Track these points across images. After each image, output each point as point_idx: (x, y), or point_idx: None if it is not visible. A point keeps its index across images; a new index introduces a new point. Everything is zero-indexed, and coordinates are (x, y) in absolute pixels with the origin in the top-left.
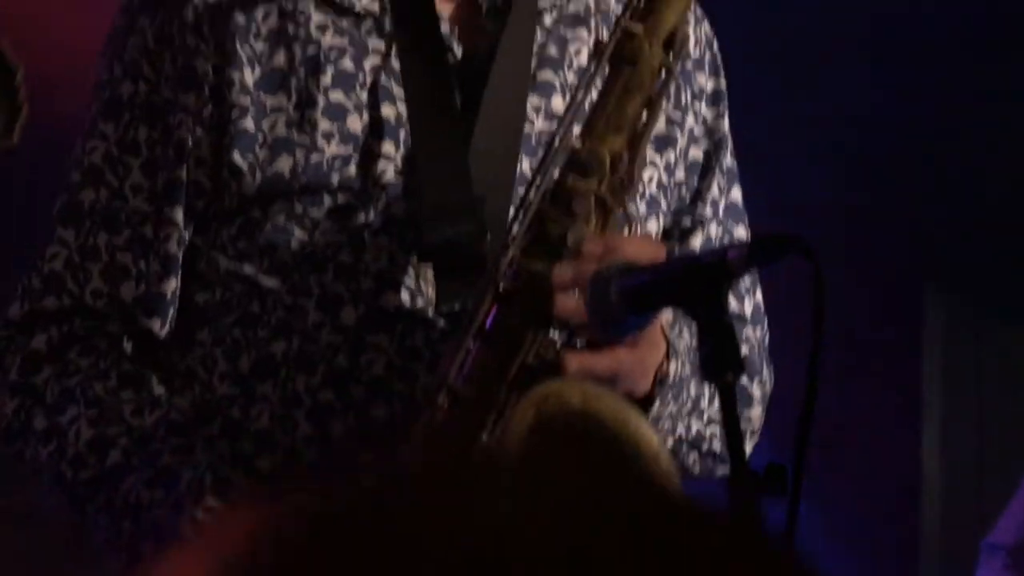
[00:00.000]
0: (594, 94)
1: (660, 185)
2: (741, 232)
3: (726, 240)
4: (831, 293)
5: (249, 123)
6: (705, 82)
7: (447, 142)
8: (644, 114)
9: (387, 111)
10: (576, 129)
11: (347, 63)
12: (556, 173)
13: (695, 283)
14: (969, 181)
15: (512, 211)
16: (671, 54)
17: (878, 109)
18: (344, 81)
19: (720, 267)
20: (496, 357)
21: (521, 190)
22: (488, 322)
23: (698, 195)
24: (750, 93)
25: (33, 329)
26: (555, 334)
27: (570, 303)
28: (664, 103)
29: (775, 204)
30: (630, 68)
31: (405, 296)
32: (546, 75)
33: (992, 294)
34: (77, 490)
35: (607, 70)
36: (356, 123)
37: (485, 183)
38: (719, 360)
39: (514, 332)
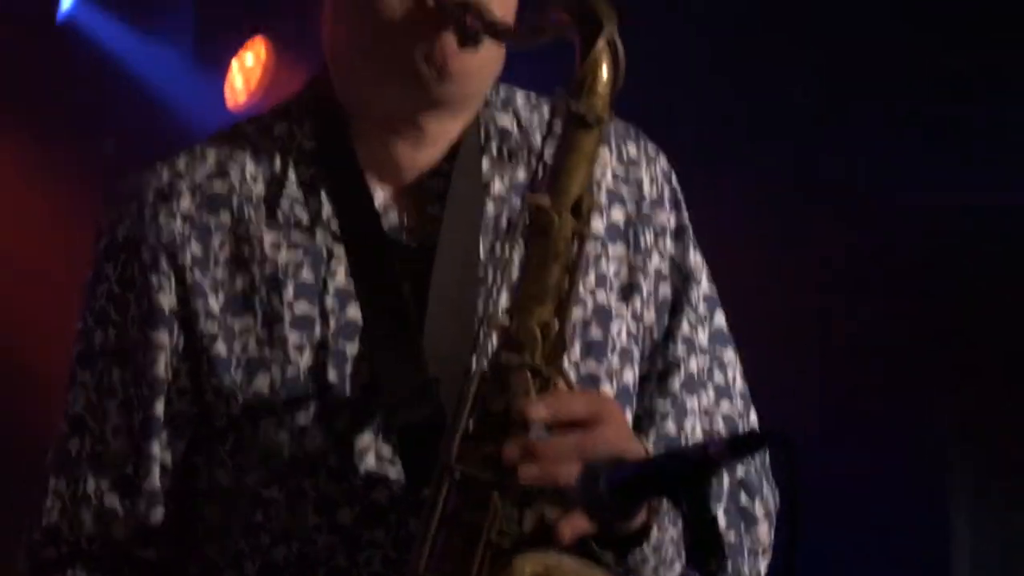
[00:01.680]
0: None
1: (630, 334)
2: (729, 356)
3: (713, 372)
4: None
5: (221, 347)
6: (667, 219)
7: (399, 333)
8: (566, 280)
9: (352, 313)
10: (503, 307)
11: (306, 274)
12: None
13: (679, 476)
14: None
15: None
16: (580, 220)
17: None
18: (306, 291)
19: (702, 461)
20: (461, 542)
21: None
22: (449, 507)
23: (669, 334)
24: None
25: None
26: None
27: (532, 471)
28: (584, 264)
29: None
30: (543, 240)
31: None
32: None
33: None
34: None
35: (523, 245)
36: (324, 330)
37: (440, 365)
38: (704, 549)
39: (473, 514)
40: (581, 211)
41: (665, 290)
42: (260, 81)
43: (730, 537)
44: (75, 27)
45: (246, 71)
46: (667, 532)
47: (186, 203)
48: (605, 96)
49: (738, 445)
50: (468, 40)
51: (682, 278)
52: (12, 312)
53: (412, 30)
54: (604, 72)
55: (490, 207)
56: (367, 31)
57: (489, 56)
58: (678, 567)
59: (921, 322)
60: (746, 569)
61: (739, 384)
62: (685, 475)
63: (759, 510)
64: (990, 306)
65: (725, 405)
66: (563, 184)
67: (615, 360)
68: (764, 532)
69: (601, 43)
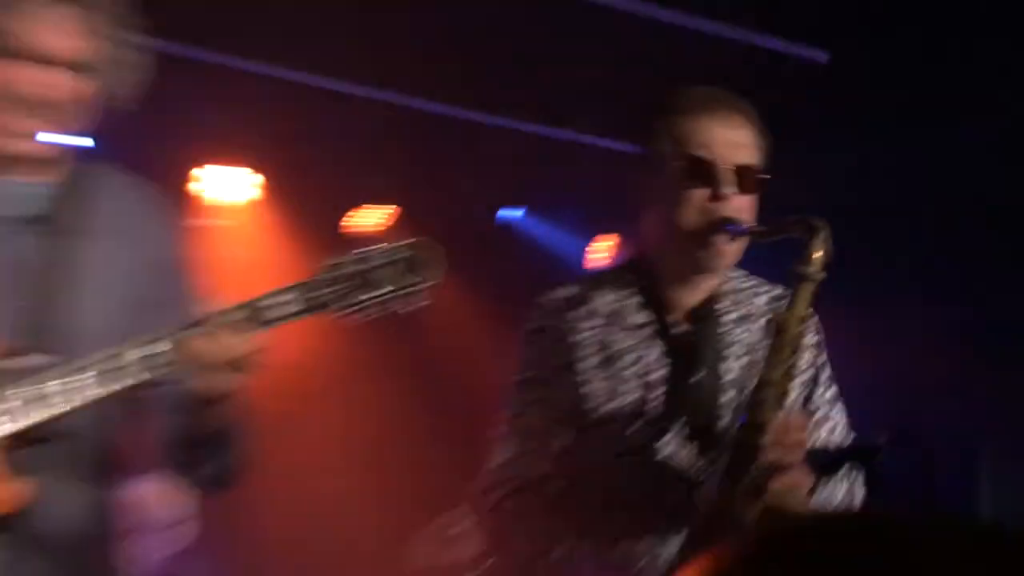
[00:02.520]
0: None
1: (799, 394)
2: (841, 417)
3: (838, 419)
4: None
5: (594, 385)
6: (815, 338)
7: (686, 380)
8: (790, 362)
9: (662, 372)
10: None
11: (639, 350)
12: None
13: (859, 456)
14: None
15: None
16: (799, 332)
17: None
18: (637, 359)
19: (873, 449)
20: (732, 484)
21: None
22: (726, 467)
23: (810, 396)
24: None
25: None
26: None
27: (778, 452)
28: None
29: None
30: (780, 338)
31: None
32: (728, 359)
33: None
34: None
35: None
36: (647, 378)
37: (704, 397)
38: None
39: (740, 471)
40: (799, 326)
41: (810, 373)
42: (611, 255)
43: (846, 499)
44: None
45: (606, 249)
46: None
47: (568, 319)
48: (820, 266)
49: (868, 450)
50: (734, 239)
51: (816, 369)
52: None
53: (699, 235)
54: (821, 254)
55: (727, 326)
56: (671, 234)
57: (740, 248)
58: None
59: None
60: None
61: (842, 419)
62: (862, 456)
63: (859, 492)
64: None
65: (839, 432)
66: (794, 307)
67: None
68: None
69: (823, 235)
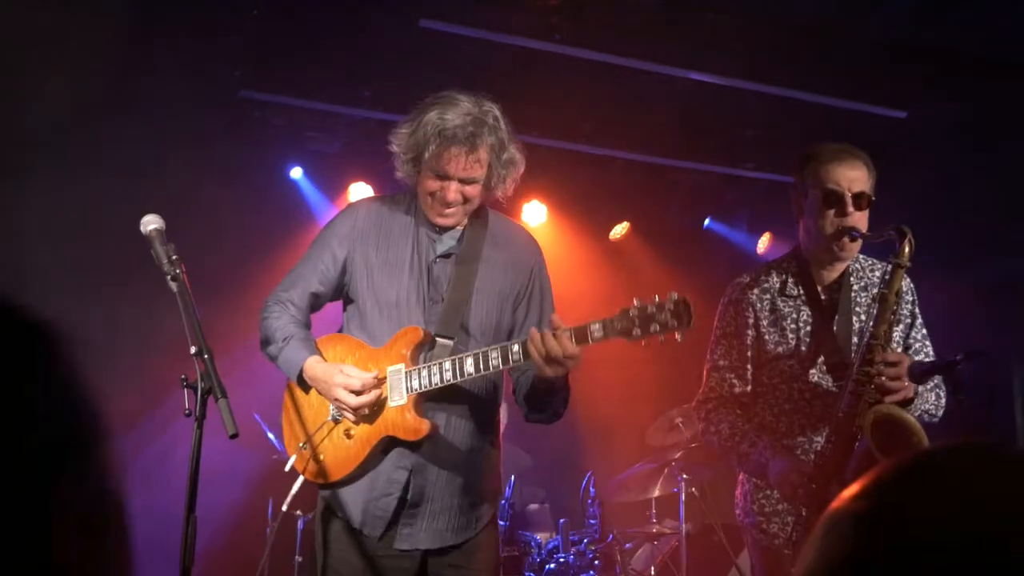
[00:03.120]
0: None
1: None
2: (929, 347)
3: (928, 351)
4: None
5: (768, 337)
6: (911, 298)
7: (827, 332)
8: (891, 317)
9: (809, 327)
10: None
11: (795, 314)
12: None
13: (943, 370)
14: None
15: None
16: (898, 296)
17: None
18: (794, 320)
19: (953, 366)
20: (855, 400)
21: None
22: (851, 387)
23: (910, 333)
24: None
25: None
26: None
27: (892, 371)
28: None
29: None
30: (885, 302)
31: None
32: (854, 316)
33: None
34: None
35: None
36: (798, 333)
37: (841, 343)
38: (955, 390)
39: (860, 392)
40: (896, 297)
41: (907, 320)
42: (767, 246)
43: (933, 398)
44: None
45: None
46: (923, 394)
47: (750, 292)
48: (907, 257)
49: (967, 359)
50: (854, 240)
51: (912, 316)
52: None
53: (832, 237)
54: (908, 249)
55: (852, 295)
56: (815, 237)
57: (859, 245)
58: (922, 405)
59: None
60: (934, 410)
61: (930, 348)
62: (948, 369)
63: (943, 397)
64: None
65: (929, 357)
66: (892, 285)
67: (900, 348)
68: (940, 405)
69: (909, 237)
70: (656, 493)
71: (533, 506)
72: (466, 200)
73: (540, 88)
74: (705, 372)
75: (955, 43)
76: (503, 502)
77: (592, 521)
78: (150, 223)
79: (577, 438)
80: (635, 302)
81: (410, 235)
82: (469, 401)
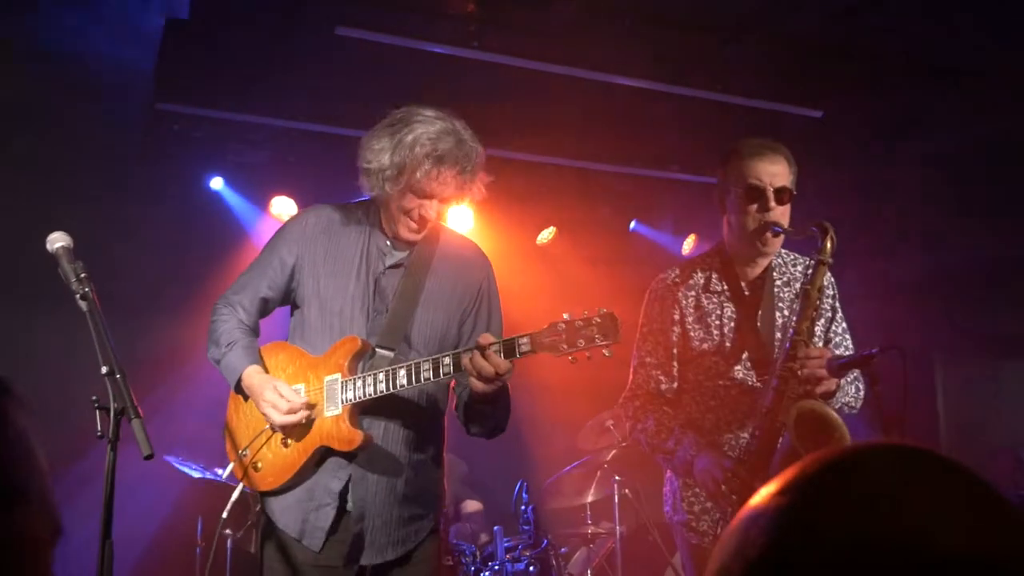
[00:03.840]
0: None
1: (822, 331)
2: (849, 340)
3: (847, 345)
4: None
5: (690, 328)
6: (831, 292)
7: (750, 327)
8: (813, 312)
9: (733, 322)
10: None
11: (719, 310)
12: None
13: (860, 364)
14: None
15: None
16: (819, 294)
17: None
18: (716, 316)
19: (869, 359)
20: (779, 395)
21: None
22: (775, 383)
23: (830, 327)
24: None
25: None
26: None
27: (813, 364)
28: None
29: None
30: (807, 298)
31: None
32: (776, 311)
33: None
34: None
35: (801, 299)
36: (722, 328)
37: (763, 337)
38: (872, 382)
39: (785, 385)
40: (818, 293)
41: (827, 316)
42: (692, 247)
43: (853, 391)
44: None
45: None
46: (844, 387)
47: (675, 289)
48: (829, 253)
49: (872, 356)
50: (777, 236)
51: (832, 310)
52: None
53: (755, 233)
54: (830, 245)
55: (775, 290)
56: (738, 233)
57: (781, 240)
58: (843, 398)
59: None
60: (854, 402)
61: (849, 342)
62: (861, 364)
63: (862, 389)
64: None
65: (849, 351)
66: (814, 281)
67: (820, 343)
68: (859, 397)
69: (831, 234)
70: (590, 498)
71: (468, 511)
72: (431, 220)
73: (463, 95)
74: (632, 369)
75: (870, 44)
76: None
77: (526, 527)
78: (56, 240)
79: (511, 444)
80: (564, 316)
81: (360, 245)
82: (407, 412)
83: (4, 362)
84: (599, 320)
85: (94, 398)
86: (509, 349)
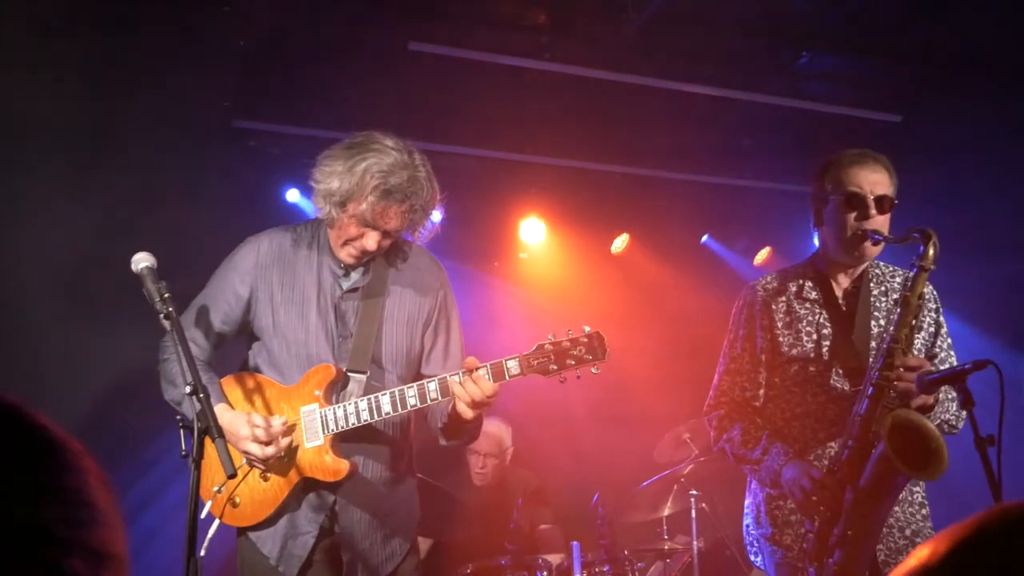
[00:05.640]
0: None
1: (923, 343)
2: (954, 357)
3: (951, 361)
4: None
5: (783, 339)
6: (934, 305)
7: (845, 336)
8: (912, 320)
9: (826, 329)
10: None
11: (812, 316)
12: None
13: (955, 378)
14: None
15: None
16: (921, 301)
17: None
18: (811, 322)
19: (963, 374)
20: (874, 404)
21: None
22: (870, 391)
23: (935, 342)
24: None
25: None
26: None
27: (908, 377)
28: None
29: None
30: (907, 306)
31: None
32: (872, 320)
33: None
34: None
35: (899, 310)
36: (819, 336)
37: (859, 346)
38: (964, 401)
39: (879, 396)
40: (918, 301)
41: (932, 329)
42: (766, 259)
43: (954, 408)
44: None
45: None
46: (943, 403)
47: (766, 295)
48: (932, 260)
49: (974, 367)
50: (876, 244)
51: (937, 325)
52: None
53: (852, 241)
54: (932, 252)
55: (871, 299)
56: (835, 241)
57: (880, 249)
58: (942, 414)
59: None
60: (955, 421)
61: (954, 359)
62: (958, 378)
63: (957, 406)
64: None
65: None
66: (914, 288)
67: (922, 353)
68: (961, 416)
69: (933, 240)
70: (667, 512)
71: (543, 527)
72: (379, 248)
73: (534, 107)
74: (716, 376)
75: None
76: (511, 525)
77: (603, 541)
78: (140, 261)
79: (584, 458)
80: (550, 337)
81: (314, 270)
82: (383, 435)
83: (78, 371)
84: (586, 340)
85: (178, 417)
86: (498, 372)
